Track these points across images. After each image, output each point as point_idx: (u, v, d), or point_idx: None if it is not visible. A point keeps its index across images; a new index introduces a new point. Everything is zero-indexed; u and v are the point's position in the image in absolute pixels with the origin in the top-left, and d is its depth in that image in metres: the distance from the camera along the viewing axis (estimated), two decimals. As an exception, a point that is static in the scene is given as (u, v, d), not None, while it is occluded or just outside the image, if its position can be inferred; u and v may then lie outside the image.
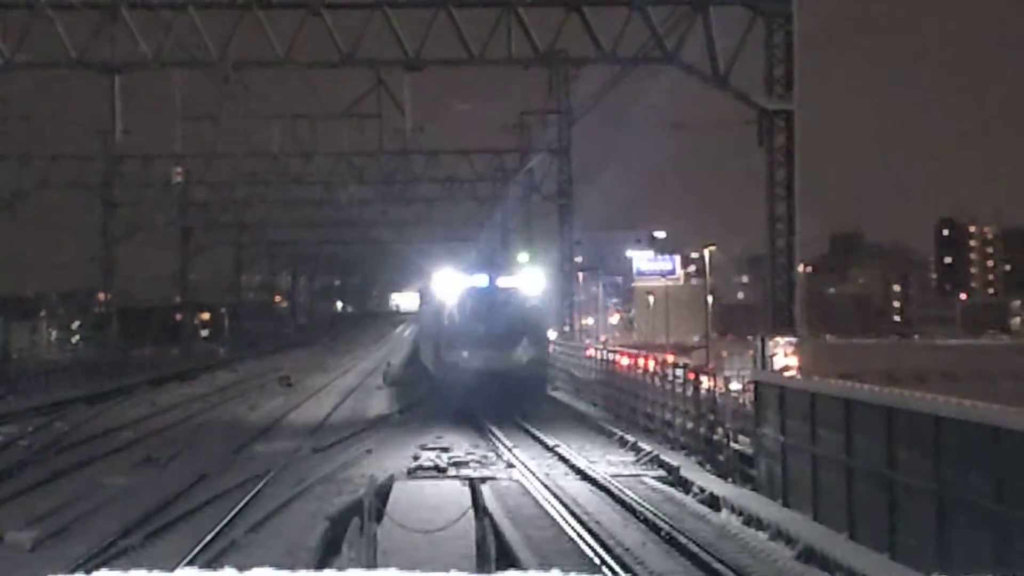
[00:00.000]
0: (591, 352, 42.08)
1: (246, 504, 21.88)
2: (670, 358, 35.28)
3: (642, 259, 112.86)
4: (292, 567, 10.52)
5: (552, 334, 46.78)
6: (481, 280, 38.04)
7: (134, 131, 47.91)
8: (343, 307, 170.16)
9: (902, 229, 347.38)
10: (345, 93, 48.32)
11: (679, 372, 29.00)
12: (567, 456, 27.55)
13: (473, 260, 42.01)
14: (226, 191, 64.67)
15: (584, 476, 25.00)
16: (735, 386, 25.80)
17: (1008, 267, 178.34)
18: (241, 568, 9.93)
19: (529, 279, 38.79)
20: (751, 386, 23.94)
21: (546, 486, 23.62)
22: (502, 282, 37.98)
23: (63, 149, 55.55)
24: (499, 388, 35.52)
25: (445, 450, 28.76)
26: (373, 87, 43.22)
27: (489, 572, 14.53)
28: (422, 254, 77.28)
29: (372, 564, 14.90)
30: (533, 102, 53.34)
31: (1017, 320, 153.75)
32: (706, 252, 72.09)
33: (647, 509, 20.80)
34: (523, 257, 53.60)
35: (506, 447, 29.40)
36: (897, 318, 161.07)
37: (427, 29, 31.03)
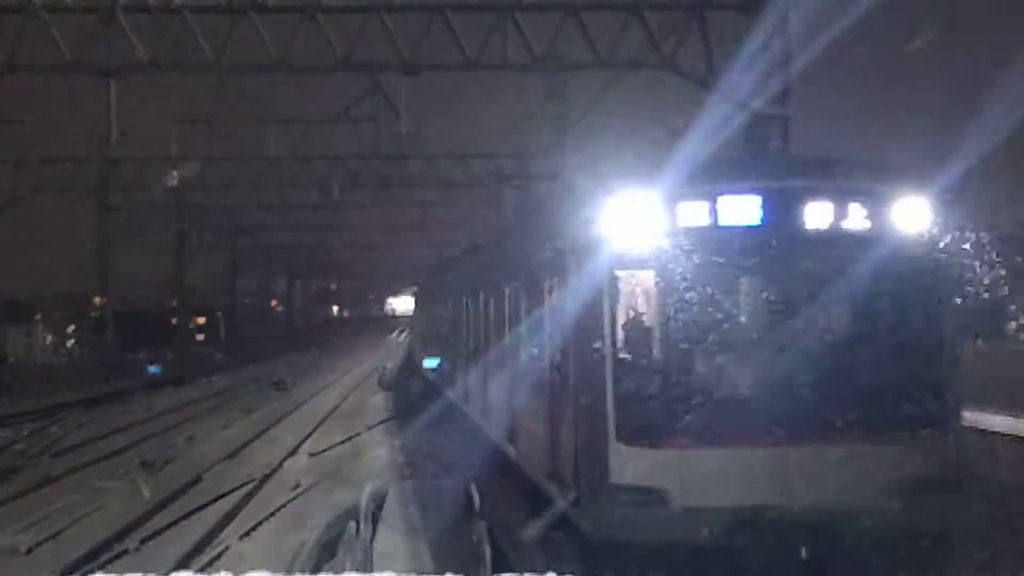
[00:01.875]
0: None
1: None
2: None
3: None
4: (288, 570, 10.48)
5: None
6: (748, 210, 11.01)
7: (129, 134, 48.01)
8: (339, 311, 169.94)
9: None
10: (341, 97, 48.43)
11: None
12: None
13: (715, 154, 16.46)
14: (222, 194, 64.62)
15: None
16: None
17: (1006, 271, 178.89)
18: (236, 571, 9.93)
19: (919, 217, 11.25)
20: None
21: None
22: (821, 215, 11.09)
23: (58, 152, 55.55)
24: None
25: None
26: (369, 91, 43.21)
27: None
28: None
29: (368, 568, 14.85)
30: (530, 106, 53.30)
31: (1012, 324, 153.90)
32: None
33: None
34: None
35: None
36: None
37: (423, 33, 31.03)
